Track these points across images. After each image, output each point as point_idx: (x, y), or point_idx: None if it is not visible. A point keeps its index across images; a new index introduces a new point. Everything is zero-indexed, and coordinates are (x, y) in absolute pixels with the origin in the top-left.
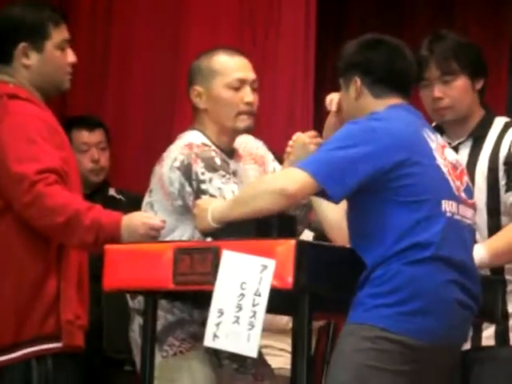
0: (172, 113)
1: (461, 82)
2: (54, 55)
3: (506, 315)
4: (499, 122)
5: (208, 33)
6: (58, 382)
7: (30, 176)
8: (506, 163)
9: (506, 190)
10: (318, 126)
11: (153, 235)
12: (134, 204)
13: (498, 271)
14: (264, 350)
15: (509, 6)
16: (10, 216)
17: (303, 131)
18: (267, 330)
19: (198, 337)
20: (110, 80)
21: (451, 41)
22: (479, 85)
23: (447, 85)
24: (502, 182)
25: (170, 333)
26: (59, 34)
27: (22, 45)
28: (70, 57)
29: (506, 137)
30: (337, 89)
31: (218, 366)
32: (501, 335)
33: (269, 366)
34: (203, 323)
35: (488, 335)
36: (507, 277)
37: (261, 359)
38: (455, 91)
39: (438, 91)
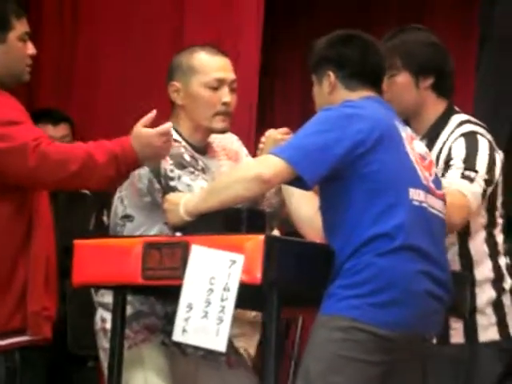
0: (140, 109)
1: (401, 79)
2: (16, 46)
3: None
4: (455, 120)
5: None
6: (26, 377)
7: (30, 142)
8: (445, 162)
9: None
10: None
11: (166, 140)
12: (100, 198)
13: (467, 268)
14: (242, 338)
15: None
16: None
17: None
18: (237, 320)
19: (154, 329)
20: (77, 75)
21: (401, 38)
22: (426, 83)
23: (390, 80)
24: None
25: (127, 325)
26: (21, 26)
27: None
28: (31, 49)
29: (450, 138)
30: None
31: (181, 355)
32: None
33: (241, 355)
34: (164, 317)
35: None
36: None
37: (232, 348)
38: (394, 87)
39: (384, 85)
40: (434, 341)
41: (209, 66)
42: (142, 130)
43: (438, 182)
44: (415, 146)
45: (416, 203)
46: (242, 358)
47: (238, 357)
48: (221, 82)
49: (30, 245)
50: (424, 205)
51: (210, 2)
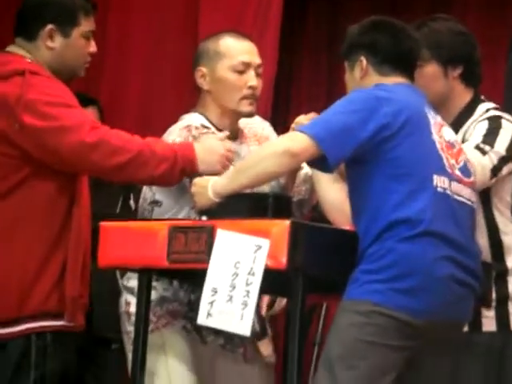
0: (169, 94)
1: (429, 69)
2: (79, 43)
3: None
4: (481, 109)
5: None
6: (56, 358)
7: (87, 122)
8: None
9: None
10: None
11: (228, 156)
12: (127, 184)
13: (498, 257)
14: None
15: None
16: (28, 187)
17: None
18: None
19: (177, 314)
20: (107, 63)
21: (428, 28)
22: (455, 73)
23: (418, 70)
24: None
25: (150, 310)
26: (88, 24)
27: (49, 26)
28: (92, 47)
29: (474, 124)
30: None
31: (200, 343)
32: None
33: (259, 351)
34: (187, 303)
35: None
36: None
37: (252, 341)
38: (423, 78)
39: None
40: (466, 328)
41: (235, 49)
42: (209, 137)
43: (466, 170)
44: (444, 134)
45: (440, 190)
46: (259, 354)
47: (255, 353)
48: (247, 66)
49: (70, 227)
50: (448, 192)
51: None
